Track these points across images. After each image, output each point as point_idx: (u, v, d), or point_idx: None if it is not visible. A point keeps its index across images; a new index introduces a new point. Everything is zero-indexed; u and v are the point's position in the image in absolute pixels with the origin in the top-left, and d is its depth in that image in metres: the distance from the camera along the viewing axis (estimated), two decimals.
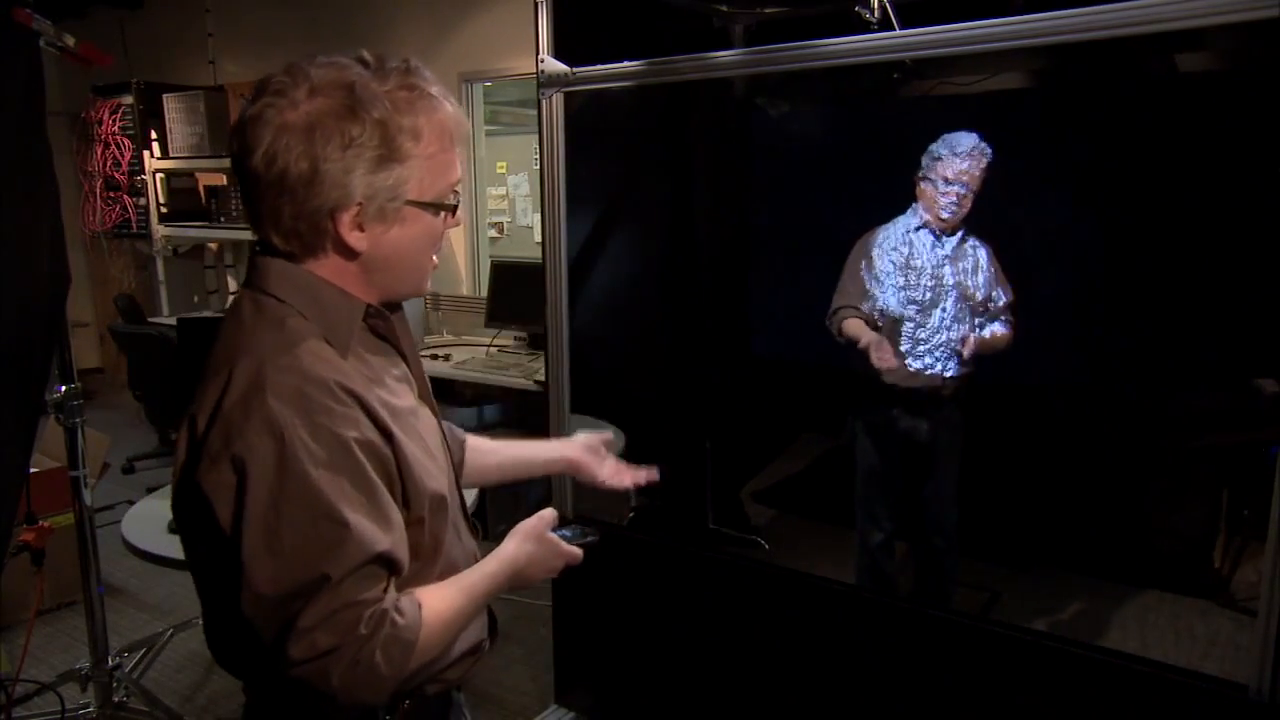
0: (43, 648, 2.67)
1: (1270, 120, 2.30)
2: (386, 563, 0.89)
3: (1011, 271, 2.40)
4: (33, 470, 2.31)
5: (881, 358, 2.28)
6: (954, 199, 2.24)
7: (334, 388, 0.88)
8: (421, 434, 1.01)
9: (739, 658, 2.05)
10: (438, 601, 0.96)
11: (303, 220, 0.91)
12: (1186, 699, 1.52)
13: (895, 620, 1.87)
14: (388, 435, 0.92)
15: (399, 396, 1.00)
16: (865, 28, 1.61)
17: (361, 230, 0.92)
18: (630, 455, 2.97)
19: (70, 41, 1.72)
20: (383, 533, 0.88)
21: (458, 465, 1.30)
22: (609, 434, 1.39)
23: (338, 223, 0.91)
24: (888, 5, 1.54)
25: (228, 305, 0.96)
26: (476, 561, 1.06)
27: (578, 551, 1.12)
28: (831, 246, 2.93)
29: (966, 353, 2.28)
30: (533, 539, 1.08)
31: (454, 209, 0.99)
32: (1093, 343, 2.74)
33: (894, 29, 1.54)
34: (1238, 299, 2.47)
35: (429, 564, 0.99)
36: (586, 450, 1.37)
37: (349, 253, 0.94)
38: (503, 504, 3.67)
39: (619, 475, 1.39)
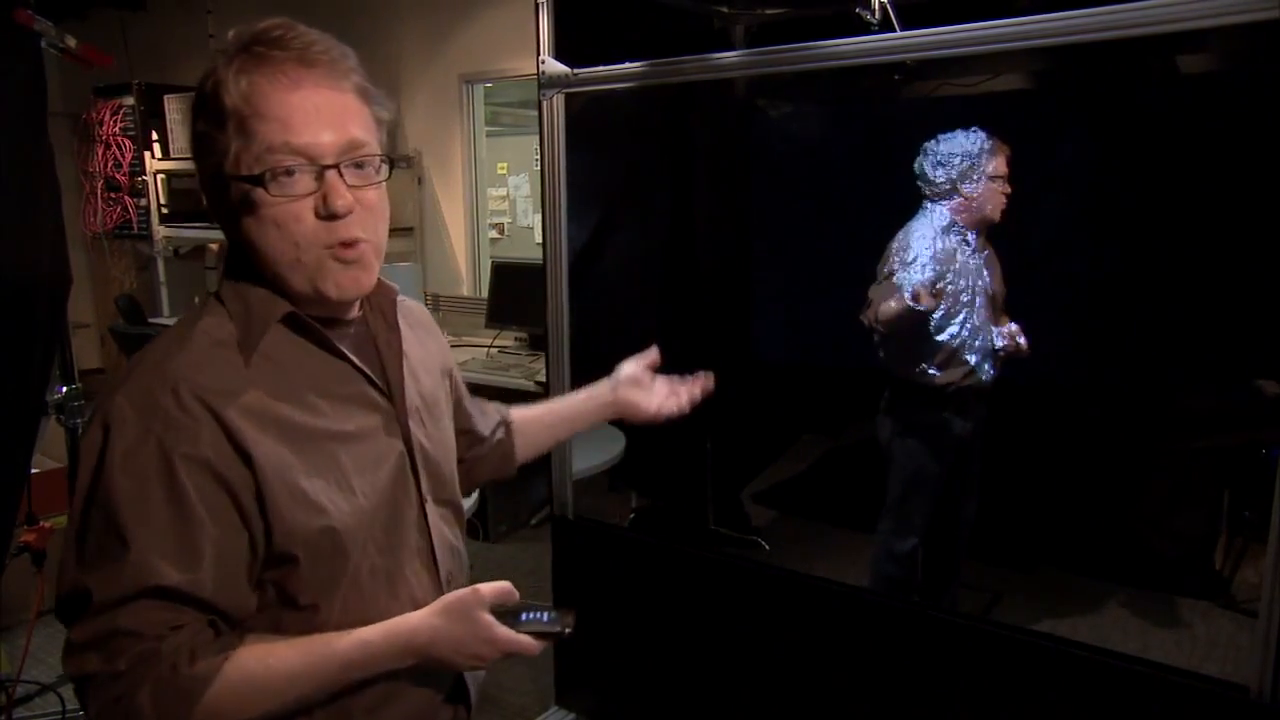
0: (43, 648, 2.67)
1: (1271, 123, 2.30)
2: (178, 598, 0.78)
3: (1013, 273, 2.39)
4: (34, 471, 2.31)
5: (933, 295, 2.14)
6: (1001, 197, 2.21)
7: (182, 393, 0.79)
8: (340, 462, 0.87)
9: (740, 659, 2.05)
10: (257, 659, 0.81)
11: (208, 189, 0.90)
12: (1187, 700, 1.51)
13: (897, 621, 1.87)
14: (246, 458, 0.80)
15: (321, 417, 0.86)
16: (866, 29, 1.61)
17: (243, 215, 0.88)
18: (630, 457, 2.99)
19: (71, 42, 1.72)
20: (174, 567, 0.77)
21: (503, 452, 1.21)
22: (652, 354, 1.29)
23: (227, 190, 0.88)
24: (888, 6, 1.54)
25: None
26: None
27: (525, 642, 0.89)
28: (832, 248, 2.93)
29: (1022, 344, 2.25)
30: (452, 615, 0.87)
31: (259, 178, 0.83)
32: (1093, 344, 2.74)
33: (895, 30, 1.54)
34: (1239, 300, 2.47)
35: (309, 616, 0.85)
36: (631, 385, 1.26)
37: (234, 233, 0.89)
38: (503, 504, 3.67)
39: (671, 400, 1.27)
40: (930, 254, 2.21)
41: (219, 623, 0.81)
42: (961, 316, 2.27)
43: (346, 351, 0.91)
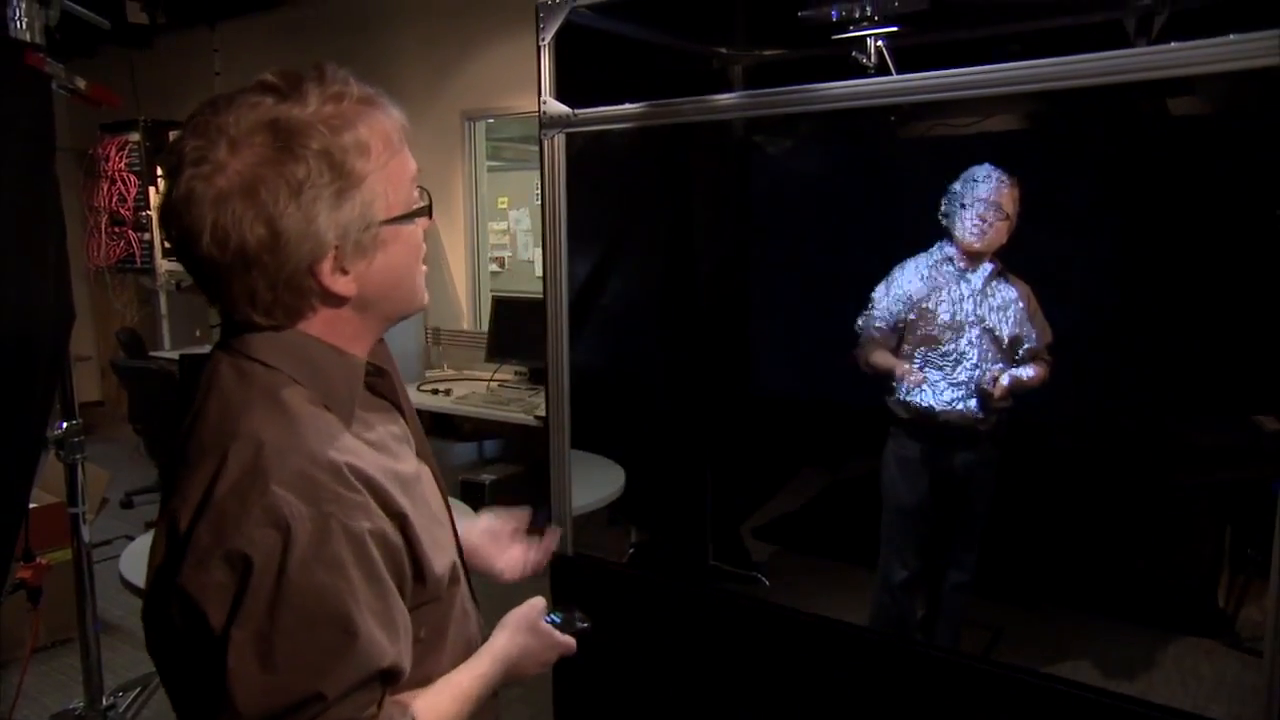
0: (36, 686, 2.64)
1: (1270, 160, 2.32)
2: (388, 676, 0.79)
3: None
4: (31, 505, 2.30)
5: (913, 381, 2.30)
6: (978, 220, 2.26)
7: (344, 471, 0.77)
8: (428, 500, 0.91)
9: (739, 695, 2.03)
10: (428, 713, 0.85)
11: (282, 289, 0.80)
12: None
13: (897, 659, 1.85)
14: (400, 519, 0.82)
15: (402, 461, 0.90)
16: (863, 70, 1.64)
17: (346, 273, 0.82)
18: (631, 490, 2.98)
19: (81, 84, 1.75)
20: (390, 642, 0.78)
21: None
22: (523, 517, 1.22)
23: (319, 275, 0.80)
24: (884, 50, 1.57)
25: (204, 371, 0.85)
26: (481, 631, 0.98)
27: (572, 642, 1.03)
28: (831, 283, 2.95)
29: (996, 394, 2.28)
30: (526, 630, 0.98)
31: (428, 209, 0.88)
32: (1093, 379, 2.74)
33: (891, 73, 1.56)
34: (1239, 335, 2.48)
35: (438, 646, 0.90)
36: (486, 536, 1.17)
37: (338, 300, 0.83)
38: None
39: (516, 565, 1.18)
40: (908, 285, 2.33)
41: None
42: (931, 342, 2.31)
43: (386, 390, 0.94)
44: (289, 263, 0.78)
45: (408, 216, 0.85)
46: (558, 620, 1.04)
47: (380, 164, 0.82)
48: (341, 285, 0.82)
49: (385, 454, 0.87)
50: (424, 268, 0.91)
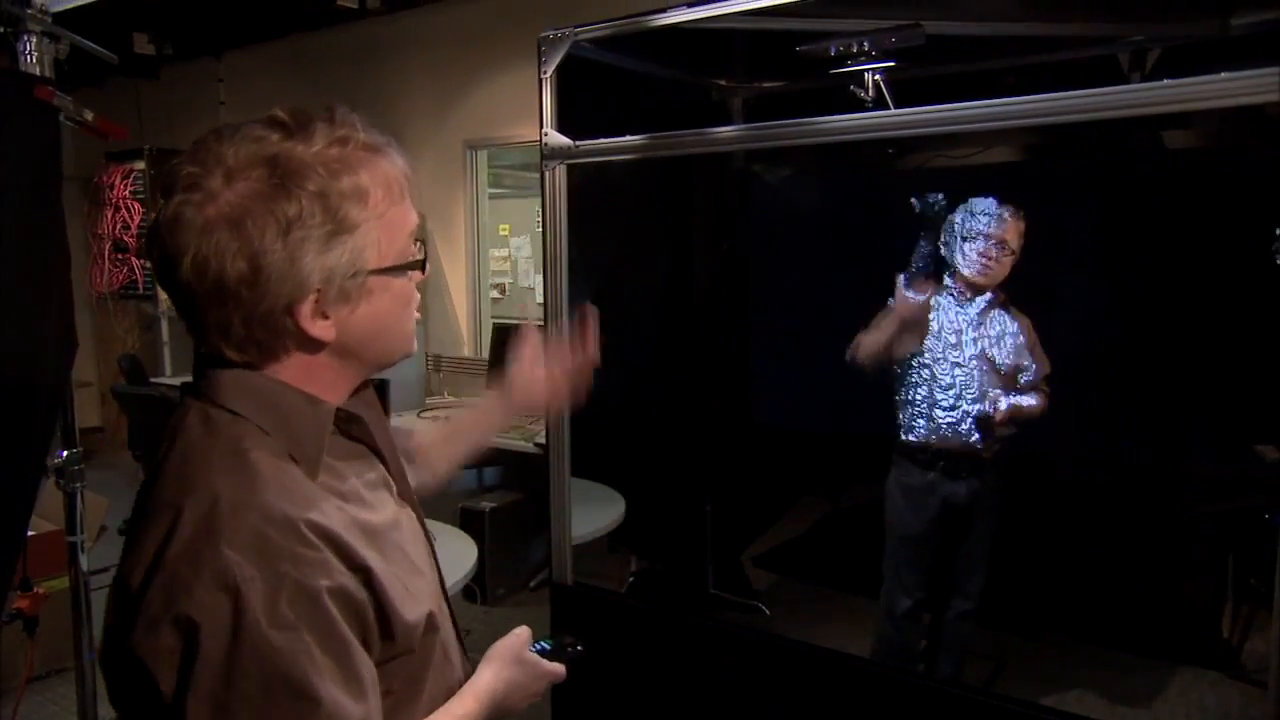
0: (31, 716, 2.61)
1: (1271, 193, 2.34)
2: None
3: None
4: (29, 533, 2.29)
5: (905, 301, 2.26)
6: (980, 255, 2.26)
7: (300, 527, 0.74)
8: (404, 548, 0.87)
9: None
10: None
11: (256, 325, 0.78)
12: None
13: (898, 691, 1.84)
14: (364, 573, 0.78)
15: (376, 510, 0.86)
16: (861, 104, 1.66)
17: (326, 318, 0.79)
18: (631, 519, 2.97)
19: (89, 116, 1.77)
20: (355, 702, 0.74)
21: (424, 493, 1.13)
22: (534, 335, 1.29)
23: (297, 317, 0.78)
24: (882, 84, 1.59)
25: (173, 416, 0.83)
26: (466, 675, 0.94)
27: (560, 669, 1.00)
28: (830, 311, 2.96)
29: (997, 419, 2.28)
30: (511, 663, 0.96)
31: (422, 264, 0.86)
32: (1095, 410, 2.75)
33: (889, 107, 1.58)
34: (1240, 365, 2.48)
35: (412, 698, 0.86)
36: (521, 387, 1.24)
37: (315, 345, 0.81)
38: (501, 568, 3.63)
39: (558, 395, 1.27)
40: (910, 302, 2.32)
41: None
42: (930, 374, 2.32)
43: (363, 436, 0.90)
44: (265, 300, 0.77)
45: (399, 269, 0.83)
46: (548, 647, 1.02)
47: (377, 213, 0.80)
48: (319, 329, 0.80)
49: (355, 503, 0.84)
50: (416, 316, 0.89)
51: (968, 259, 2.28)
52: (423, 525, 0.97)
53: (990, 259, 2.26)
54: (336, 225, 0.77)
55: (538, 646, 1.01)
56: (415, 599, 0.85)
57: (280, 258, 0.76)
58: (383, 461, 0.93)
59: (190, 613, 0.70)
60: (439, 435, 1.26)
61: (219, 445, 0.78)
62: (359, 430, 0.89)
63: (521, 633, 0.99)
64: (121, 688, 0.76)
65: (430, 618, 0.86)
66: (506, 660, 0.96)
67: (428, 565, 0.93)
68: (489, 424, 1.30)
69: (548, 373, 1.27)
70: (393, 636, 0.81)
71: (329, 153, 0.78)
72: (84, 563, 2.30)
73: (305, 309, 0.78)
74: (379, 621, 0.80)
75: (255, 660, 0.70)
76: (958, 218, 2.30)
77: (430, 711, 0.88)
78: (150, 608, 0.71)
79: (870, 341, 2.35)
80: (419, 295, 0.89)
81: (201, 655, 0.69)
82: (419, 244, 0.86)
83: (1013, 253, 2.28)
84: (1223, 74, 1.21)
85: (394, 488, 0.93)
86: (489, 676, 0.94)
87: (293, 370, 0.82)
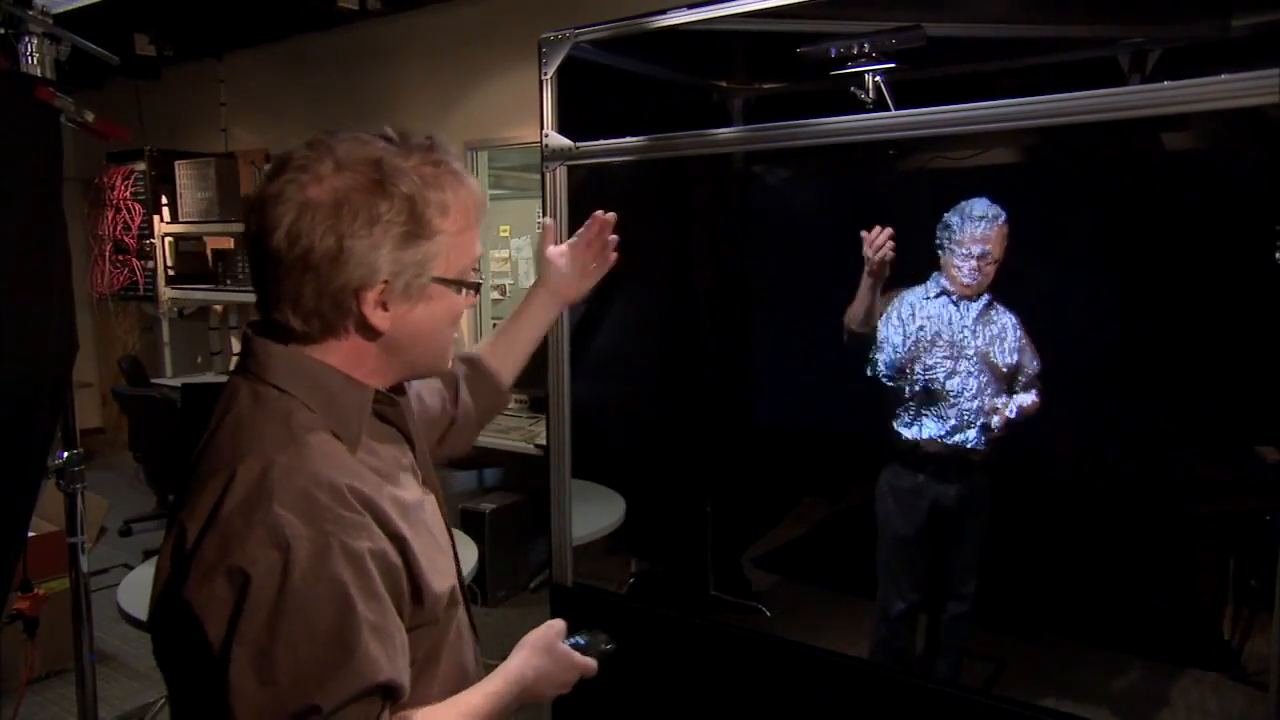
0: (33, 716, 2.62)
1: (1270, 192, 2.34)
2: (386, 692, 0.81)
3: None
4: (29, 534, 2.29)
5: (877, 244, 2.19)
6: (973, 265, 2.25)
7: (345, 493, 0.81)
8: (429, 527, 0.94)
9: None
10: None
11: (325, 299, 0.86)
12: None
13: (897, 692, 1.83)
14: (400, 541, 0.85)
15: (407, 489, 0.94)
16: (861, 105, 1.66)
17: (385, 309, 0.88)
18: (631, 520, 2.97)
19: (90, 118, 1.77)
20: (387, 659, 0.80)
21: (487, 390, 1.25)
22: (550, 232, 1.37)
23: (361, 301, 0.86)
24: (882, 85, 1.59)
25: (222, 394, 0.90)
26: (478, 658, 1.00)
27: (592, 663, 1.04)
28: (830, 313, 2.95)
29: (995, 423, 2.27)
30: (541, 652, 1.00)
31: (476, 287, 0.95)
32: (1094, 410, 2.74)
33: (889, 108, 1.58)
34: (1239, 365, 2.48)
35: (431, 669, 0.91)
36: (556, 275, 1.34)
37: (371, 333, 0.89)
38: (502, 569, 3.63)
39: (586, 278, 1.37)
40: (909, 321, 2.31)
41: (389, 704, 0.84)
42: (931, 375, 2.31)
43: (396, 419, 0.97)
44: (340, 278, 0.85)
45: (458, 283, 0.92)
46: (582, 642, 1.05)
47: (453, 230, 0.90)
48: (378, 318, 0.88)
49: (389, 480, 0.91)
50: (456, 334, 0.98)
51: (958, 267, 2.28)
52: (443, 510, 1.02)
53: (978, 269, 2.27)
54: (417, 227, 0.87)
55: (572, 640, 1.04)
56: (440, 574, 0.92)
57: (364, 243, 0.85)
58: (411, 449, 0.99)
59: (243, 564, 0.76)
60: (495, 344, 1.32)
61: (269, 417, 0.85)
62: (393, 413, 0.96)
63: (556, 624, 1.03)
64: (169, 641, 0.83)
65: (453, 591, 0.94)
66: (538, 649, 1.00)
67: (448, 546, 0.99)
68: (540, 321, 1.35)
69: (572, 258, 1.35)
70: (422, 602, 0.87)
71: (425, 169, 0.88)
72: (84, 564, 2.30)
73: (371, 295, 0.86)
74: (411, 587, 0.86)
75: (299, 612, 0.76)
76: (952, 218, 2.29)
77: (445, 684, 0.93)
78: (205, 559, 0.78)
79: (854, 309, 2.32)
80: (465, 315, 0.98)
81: (249, 604, 0.75)
82: (477, 271, 0.96)
83: (996, 261, 2.27)
84: (1223, 75, 1.21)
85: (419, 474, 1.00)
86: (518, 662, 0.99)
87: (343, 353, 0.89)
